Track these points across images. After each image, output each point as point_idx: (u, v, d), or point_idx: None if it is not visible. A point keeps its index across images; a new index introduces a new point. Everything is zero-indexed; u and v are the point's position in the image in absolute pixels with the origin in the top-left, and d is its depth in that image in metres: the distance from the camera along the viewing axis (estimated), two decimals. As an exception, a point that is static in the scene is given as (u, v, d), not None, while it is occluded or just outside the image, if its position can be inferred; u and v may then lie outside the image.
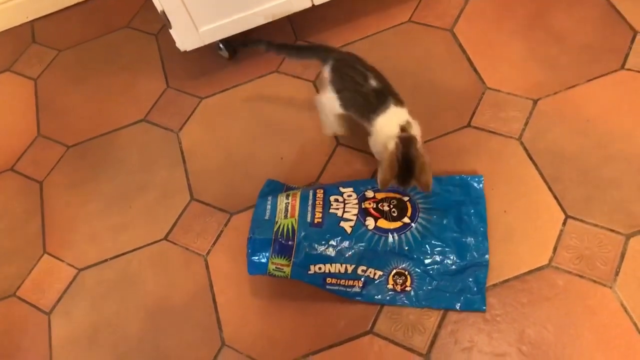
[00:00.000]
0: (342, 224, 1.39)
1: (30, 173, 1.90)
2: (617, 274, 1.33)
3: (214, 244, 1.60)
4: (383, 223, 1.40)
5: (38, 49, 2.27)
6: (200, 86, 1.96)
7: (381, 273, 1.38)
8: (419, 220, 1.41)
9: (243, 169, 1.73)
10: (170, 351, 1.46)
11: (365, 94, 1.46)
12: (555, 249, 1.39)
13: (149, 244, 1.65)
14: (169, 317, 1.51)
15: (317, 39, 1.96)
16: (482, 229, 1.42)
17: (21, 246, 1.74)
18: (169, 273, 1.58)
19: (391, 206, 1.42)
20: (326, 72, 1.54)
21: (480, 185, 1.49)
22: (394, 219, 1.40)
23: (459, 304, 1.36)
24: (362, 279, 1.39)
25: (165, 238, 1.65)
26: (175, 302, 1.53)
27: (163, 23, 1.74)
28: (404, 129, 1.38)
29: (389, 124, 1.41)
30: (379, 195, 1.45)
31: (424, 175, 1.33)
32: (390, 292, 1.39)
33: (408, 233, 1.38)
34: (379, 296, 1.39)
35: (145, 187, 1.77)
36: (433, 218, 1.41)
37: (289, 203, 1.46)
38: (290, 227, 1.40)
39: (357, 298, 1.40)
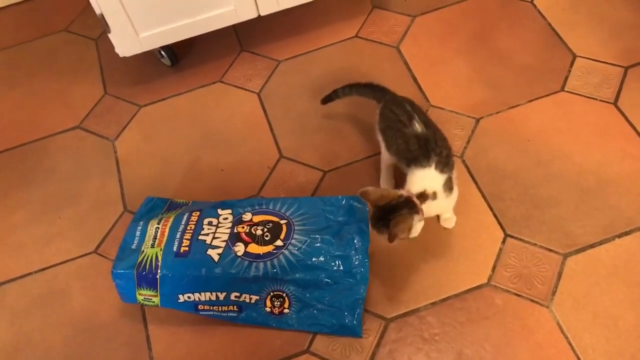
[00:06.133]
0: (210, 251, 1.34)
1: (-48, 180, 1.79)
2: (554, 293, 1.33)
3: (147, 257, 1.53)
4: (253, 248, 1.34)
5: (-33, 51, 2.16)
6: (139, 94, 1.89)
7: (257, 297, 1.33)
8: (293, 242, 1.34)
9: (181, 181, 1.67)
10: (95, 371, 1.38)
11: (406, 137, 1.32)
12: (494, 267, 1.38)
13: (78, 257, 1.57)
14: (96, 334, 1.43)
15: (262, 50, 1.93)
16: (363, 245, 1.35)
17: (-62, 257, 1.63)
18: (98, 288, 1.49)
19: (265, 230, 1.37)
20: (377, 114, 1.45)
21: (365, 206, 1.41)
22: (266, 243, 1.34)
23: (336, 328, 1.33)
24: (237, 305, 1.34)
25: (95, 251, 1.57)
26: (103, 319, 1.45)
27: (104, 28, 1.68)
28: (424, 195, 1.26)
29: (419, 183, 1.28)
30: (256, 219, 1.40)
31: (393, 230, 1.21)
32: (268, 315, 1.35)
33: (281, 256, 1.32)
34: (259, 319, 1.35)
35: (77, 197, 1.68)
36: (309, 238, 1.34)
37: (159, 228, 1.40)
38: (154, 258, 1.34)
39: (235, 321, 1.36)
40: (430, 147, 1.29)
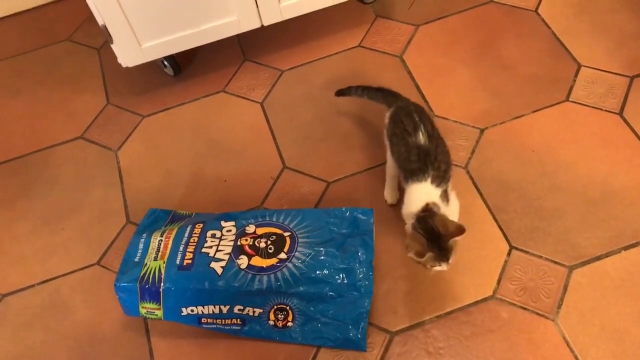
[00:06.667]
0: (213, 264, 1.33)
1: (-45, 190, 1.79)
2: (559, 306, 1.32)
3: (150, 269, 1.52)
4: (257, 261, 1.33)
5: (-30, 60, 2.16)
6: (142, 103, 1.89)
7: (260, 310, 1.32)
8: (297, 254, 1.34)
9: (184, 192, 1.66)
10: (97, 384, 1.37)
11: (409, 146, 1.32)
12: (499, 280, 1.37)
13: (80, 269, 1.56)
14: (98, 347, 1.42)
15: (266, 60, 1.92)
16: (367, 258, 1.34)
17: (-60, 269, 1.62)
18: (101, 300, 1.49)
19: (268, 242, 1.36)
20: (386, 118, 1.44)
21: (369, 218, 1.42)
22: (269, 256, 1.34)
23: (340, 342, 1.32)
24: (240, 318, 1.33)
25: (98, 263, 1.56)
26: (106, 332, 1.44)
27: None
28: (428, 208, 1.26)
29: (417, 198, 1.29)
30: (260, 231, 1.39)
31: (449, 228, 1.20)
32: (271, 329, 1.34)
33: (284, 269, 1.32)
34: (263, 332, 1.34)
35: (80, 208, 1.68)
36: (313, 251, 1.34)
37: (162, 241, 1.40)
38: (157, 271, 1.33)
39: (239, 335, 1.35)
40: (429, 161, 1.29)
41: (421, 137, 1.32)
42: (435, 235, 1.20)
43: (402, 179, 1.37)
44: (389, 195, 1.52)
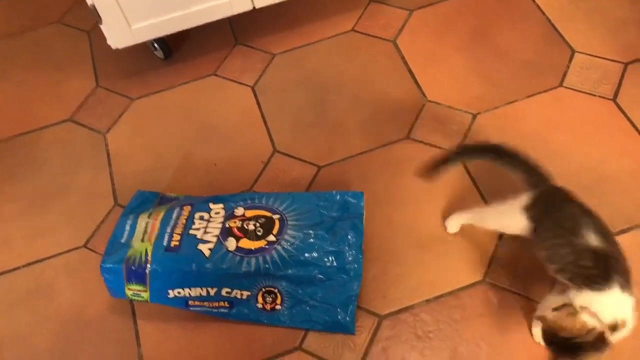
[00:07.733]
0: (200, 246, 1.31)
1: (-59, 172, 1.76)
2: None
3: (137, 252, 1.50)
4: (245, 243, 1.31)
5: (-43, 42, 2.13)
6: (132, 86, 1.86)
7: (249, 293, 1.31)
8: (286, 237, 1.32)
9: (173, 175, 1.64)
10: (83, 367, 1.36)
11: (576, 248, 1.09)
12: (490, 264, 1.36)
13: (66, 251, 1.54)
14: (83, 330, 1.40)
15: (257, 44, 1.90)
16: (356, 241, 1.33)
17: None
18: (87, 283, 1.47)
19: (257, 225, 1.35)
20: (525, 198, 1.21)
21: (359, 201, 1.40)
22: (258, 238, 1.32)
23: (328, 325, 1.31)
24: (228, 300, 1.31)
25: (85, 245, 1.54)
26: (92, 314, 1.42)
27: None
28: (614, 327, 1.01)
29: (604, 311, 1.01)
30: (249, 213, 1.37)
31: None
32: (259, 312, 1.32)
33: (273, 252, 1.30)
34: (251, 315, 1.32)
35: (67, 191, 1.65)
36: (303, 233, 1.32)
37: (149, 223, 1.38)
38: (144, 252, 1.31)
39: (227, 318, 1.33)
40: (611, 266, 1.06)
41: (595, 239, 1.09)
42: (564, 348, 1.01)
43: (566, 281, 1.11)
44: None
